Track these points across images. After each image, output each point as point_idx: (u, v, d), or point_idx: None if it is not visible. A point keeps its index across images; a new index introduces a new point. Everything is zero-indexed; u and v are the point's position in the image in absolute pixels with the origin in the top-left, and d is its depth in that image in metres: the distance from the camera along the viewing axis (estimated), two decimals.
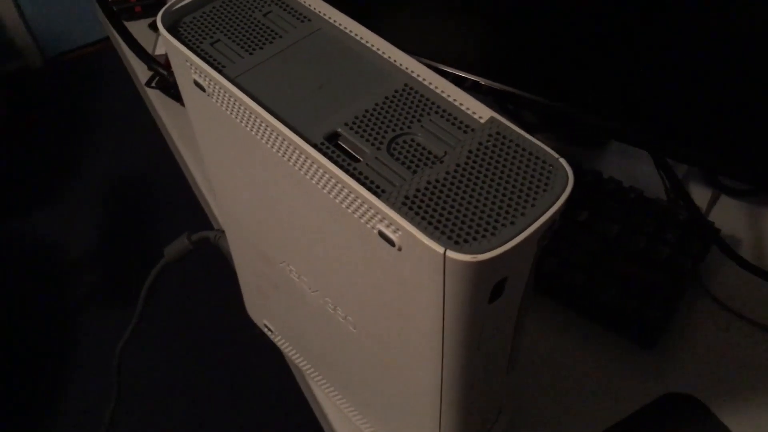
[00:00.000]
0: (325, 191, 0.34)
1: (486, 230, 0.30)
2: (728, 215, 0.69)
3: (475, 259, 0.29)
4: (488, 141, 0.33)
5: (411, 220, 0.30)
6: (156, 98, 0.81)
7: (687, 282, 0.61)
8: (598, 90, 0.63)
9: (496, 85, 0.69)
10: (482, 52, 0.70)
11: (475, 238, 0.30)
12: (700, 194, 0.71)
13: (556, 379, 0.59)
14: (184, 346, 1.54)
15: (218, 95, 0.36)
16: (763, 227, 0.67)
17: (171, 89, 0.74)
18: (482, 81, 0.70)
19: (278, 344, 0.59)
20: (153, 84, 0.74)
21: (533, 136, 0.78)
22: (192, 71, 0.37)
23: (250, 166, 0.39)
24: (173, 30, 0.37)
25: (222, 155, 0.42)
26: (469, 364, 0.37)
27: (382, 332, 0.40)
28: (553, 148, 0.75)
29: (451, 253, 0.29)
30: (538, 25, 0.63)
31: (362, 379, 0.49)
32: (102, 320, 1.61)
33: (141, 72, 0.85)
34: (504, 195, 0.31)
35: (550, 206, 0.31)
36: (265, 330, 0.59)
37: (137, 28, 0.91)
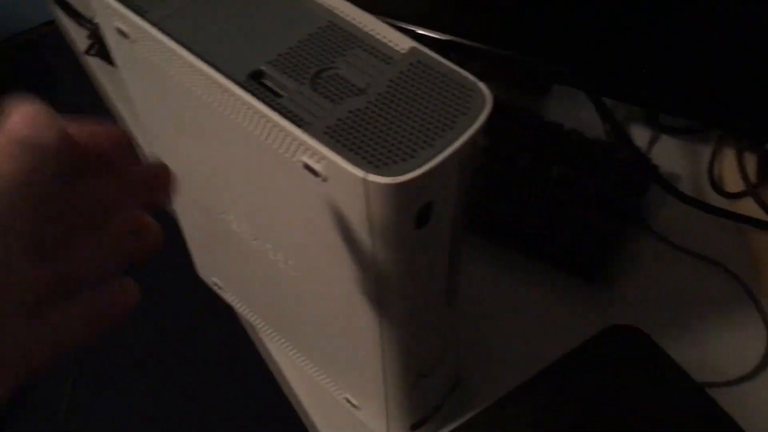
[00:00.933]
0: (250, 129, 0.34)
1: (406, 153, 0.31)
2: (668, 153, 0.71)
3: (394, 181, 0.30)
4: (408, 70, 0.34)
5: (333, 148, 0.31)
6: (98, 67, 0.80)
7: (629, 217, 0.63)
8: (537, 33, 0.64)
9: (438, 35, 0.70)
10: (421, 3, 0.70)
11: (395, 162, 0.31)
12: (641, 134, 0.72)
13: (503, 318, 0.60)
14: (139, 317, 1.53)
15: (141, 41, 0.36)
16: (700, 163, 0.69)
17: (109, 55, 0.73)
18: (424, 31, 0.70)
19: (228, 300, 0.59)
20: (92, 52, 0.73)
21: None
22: (114, 19, 0.37)
23: (180, 113, 0.39)
24: None
25: (153, 105, 0.42)
26: (404, 295, 0.38)
27: (321, 271, 0.41)
28: (497, 95, 0.76)
29: (371, 177, 0.30)
30: None
31: (310, 326, 0.49)
32: None
33: (82, 44, 0.84)
34: (423, 120, 0.32)
35: (468, 128, 0.32)
36: (215, 288, 0.59)
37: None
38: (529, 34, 0.64)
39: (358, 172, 0.30)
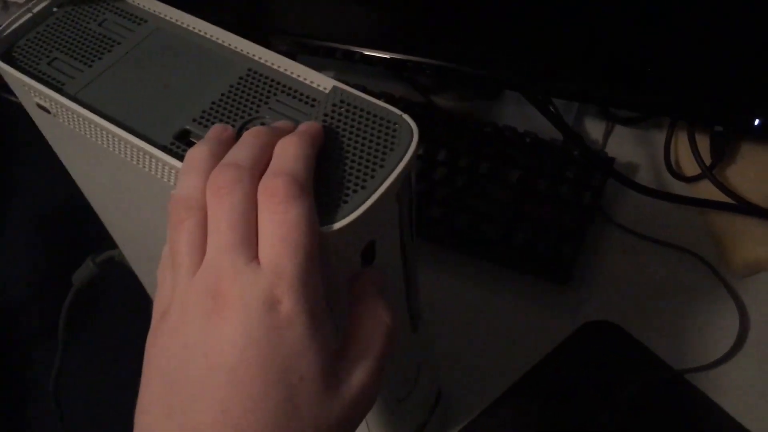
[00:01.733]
0: None
1: (339, 199, 0.31)
2: (624, 143, 0.71)
3: (330, 230, 0.30)
4: (333, 110, 0.34)
5: None
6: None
7: (591, 214, 0.63)
8: (476, 44, 0.64)
9: (385, 54, 0.70)
10: (366, 25, 0.70)
11: (330, 209, 0.30)
12: (595, 127, 0.73)
13: (477, 329, 0.60)
14: (116, 367, 1.51)
15: (62, 114, 0.36)
16: (656, 149, 0.69)
17: None
18: (369, 52, 0.70)
19: None
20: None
21: (430, 98, 0.78)
22: (32, 95, 0.36)
23: (114, 179, 0.39)
24: (7, 56, 0.37)
25: (87, 172, 0.41)
26: None
27: None
28: (450, 107, 0.76)
29: None
30: None
31: None
32: (33, 359, 1.58)
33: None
34: (353, 161, 0.32)
35: (398, 163, 0.31)
36: None
37: None
38: (468, 45, 0.65)
39: None
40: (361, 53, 0.70)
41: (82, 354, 1.55)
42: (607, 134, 0.72)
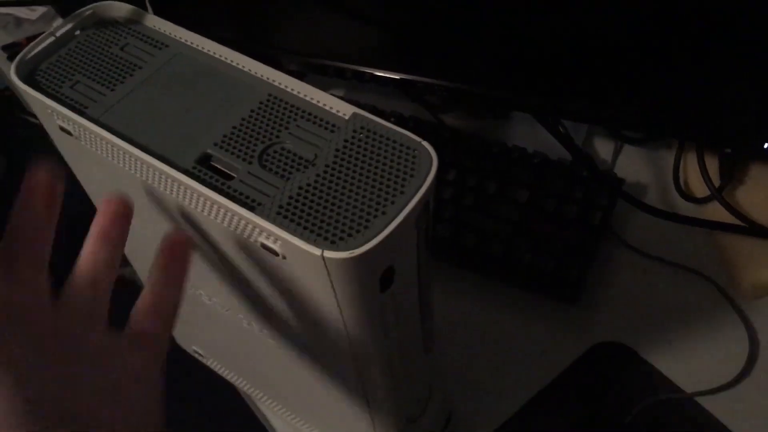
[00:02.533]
0: (205, 213, 0.34)
1: (360, 225, 0.31)
2: (632, 163, 0.71)
3: (351, 255, 0.30)
4: (353, 137, 0.34)
5: (286, 228, 0.31)
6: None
7: (600, 234, 0.63)
8: (488, 64, 0.65)
9: (394, 74, 0.70)
10: (376, 46, 0.71)
11: (350, 235, 0.31)
12: (604, 147, 0.73)
13: (487, 349, 0.60)
14: None
15: (85, 138, 0.36)
16: (665, 170, 0.70)
17: None
18: (379, 73, 0.71)
19: (211, 366, 0.59)
20: None
21: (439, 117, 0.79)
22: (55, 118, 0.37)
23: (134, 201, 0.39)
24: (30, 79, 0.37)
25: (105, 192, 0.42)
26: (382, 353, 0.38)
27: (295, 338, 0.41)
28: (459, 125, 0.77)
29: (328, 254, 0.30)
30: (423, 11, 0.64)
31: (294, 386, 0.49)
32: None
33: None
34: (374, 187, 0.32)
35: (418, 190, 0.32)
36: (196, 355, 0.59)
37: None
38: (477, 66, 0.65)
39: (315, 250, 0.30)
40: (372, 74, 0.71)
41: None
42: (617, 154, 0.72)
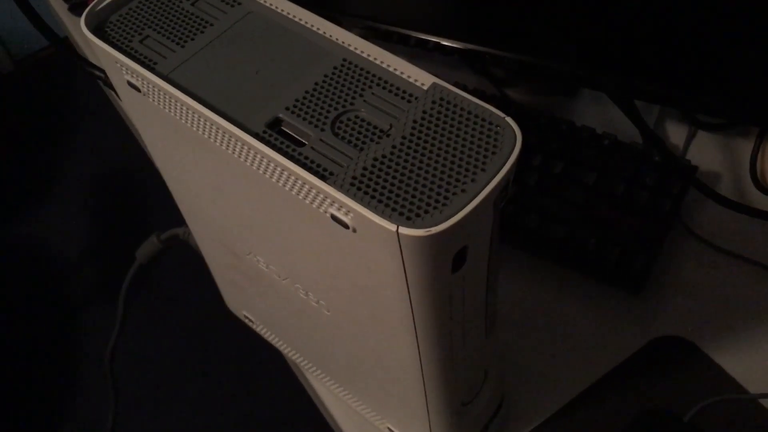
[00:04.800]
0: (273, 180, 0.33)
1: (438, 201, 0.29)
2: (706, 150, 0.68)
3: (428, 233, 0.28)
4: (432, 108, 0.32)
5: (360, 201, 0.29)
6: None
7: (668, 223, 0.60)
8: (562, 38, 0.62)
9: (460, 44, 0.68)
10: (444, 13, 0.68)
11: (426, 211, 0.29)
12: (678, 131, 0.70)
13: (544, 334, 0.58)
14: (172, 345, 1.53)
15: (153, 94, 0.35)
16: (740, 159, 0.66)
17: None
18: (445, 42, 0.68)
19: (261, 333, 0.58)
20: (108, 84, 0.72)
21: (504, 91, 0.76)
22: (124, 72, 0.36)
23: (197, 161, 0.38)
24: (99, 31, 0.36)
25: (169, 152, 0.41)
26: (444, 335, 0.37)
27: (354, 312, 0.40)
28: (525, 101, 0.74)
29: (404, 230, 0.28)
30: None
31: (346, 360, 0.48)
32: (88, 325, 1.61)
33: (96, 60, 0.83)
34: (453, 162, 0.30)
35: (500, 168, 0.30)
36: (246, 321, 0.58)
37: None
38: (550, 38, 0.62)
39: (390, 226, 0.28)
40: (437, 42, 0.69)
41: (138, 329, 1.58)
42: (689, 140, 0.69)
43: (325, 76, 0.34)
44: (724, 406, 0.54)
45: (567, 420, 0.55)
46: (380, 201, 0.29)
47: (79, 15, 0.87)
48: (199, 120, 0.34)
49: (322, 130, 0.32)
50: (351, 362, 0.48)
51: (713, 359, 0.56)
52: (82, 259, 1.74)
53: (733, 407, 0.54)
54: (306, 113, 0.33)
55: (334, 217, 0.31)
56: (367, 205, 0.29)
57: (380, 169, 0.30)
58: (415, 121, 0.32)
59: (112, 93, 0.82)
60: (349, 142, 0.32)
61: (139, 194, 1.85)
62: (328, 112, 0.33)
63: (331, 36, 0.36)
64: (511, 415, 0.55)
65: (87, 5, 0.82)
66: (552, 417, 0.55)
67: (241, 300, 0.56)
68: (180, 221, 0.55)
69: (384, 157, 0.31)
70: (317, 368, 0.55)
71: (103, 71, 0.69)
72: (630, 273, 0.59)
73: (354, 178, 0.30)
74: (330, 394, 0.58)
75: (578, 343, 0.58)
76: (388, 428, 0.53)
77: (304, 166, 0.31)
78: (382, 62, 0.35)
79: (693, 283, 0.60)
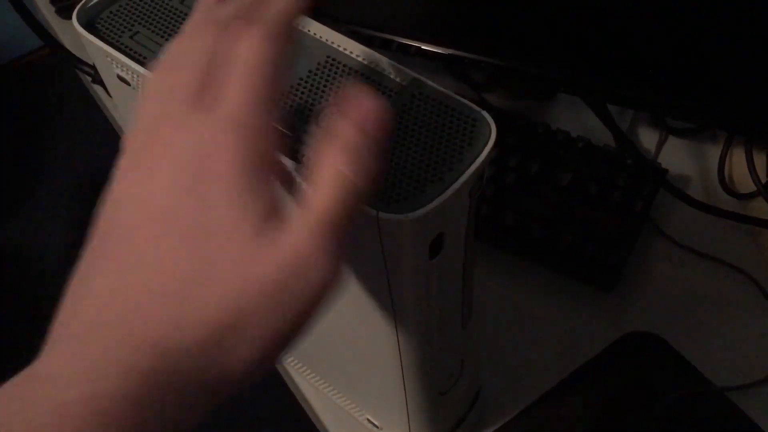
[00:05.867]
0: None
1: (416, 189, 0.31)
2: (676, 154, 0.70)
3: (406, 218, 0.30)
4: (412, 102, 0.34)
5: None
6: (104, 93, 0.81)
7: (640, 223, 0.62)
8: (536, 43, 0.64)
9: (440, 50, 0.70)
10: (425, 18, 0.70)
11: (405, 198, 0.31)
12: (649, 136, 0.72)
13: (519, 329, 0.60)
14: None
15: (142, 86, 0.36)
16: (709, 163, 0.69)
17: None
18: (426, 47, 0.70)
19: None
20: (98, 79, 0.73)
21: (483, 96, 0.78)
22: (114, 66, 0.37)
23: None
24: (90, 27, 0.37)
25: None
26: (421, 321, 0.38)
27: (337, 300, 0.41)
28: (503, 105, 0.76)
29: (383, 215, 0.30)
30: None
31: (328, 352, 0.49)
32: None
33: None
34: (431, 153, 0.32)
35: (476, 158, 0.32)
36: None
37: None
38: (528, 44, 0.64)
39: (370, 211, 0.30)
40: (419, 47, 0.70)
41: None
42: (661, 144, 0.71)
43: (310, 71, 0.36)
44: (692, 399, 0.56)
45: (540, 412, 0.56)
46: None
47: (67, 18, 0.88)
48: None
49: (306, 122, 0.34)
50: (332, 353, 0.49)
51: (681, 354, 0.58)
52: (67, 263, 1.73)
53: (700, 399, 0.56)
54: (291, 107, 0.35)
55: None
56: None
57: None
58: (395, 114, 0.33)
59: (99, 96, 0.83)
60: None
61: None
62: (312, 106, 0.35)
63: (315, 34, 0.37)
64: (487, 407, 0.56)
65: (74, 8, 0.83)
66: (525, 409, 0.56)
67: None
68: None
69: None
70: (296, 360, 0.57)
71: (92, 68, 0.70)
72: (602, 271, 0.60)
73: None
74: (310, 386, 0.59)
75: (552, 338, 0.60)
76: (368, 419, 0.54)
77: (288, 156, 0.32)
78: (364, 60, 0.36)
79: (663, 281, 0.62)
